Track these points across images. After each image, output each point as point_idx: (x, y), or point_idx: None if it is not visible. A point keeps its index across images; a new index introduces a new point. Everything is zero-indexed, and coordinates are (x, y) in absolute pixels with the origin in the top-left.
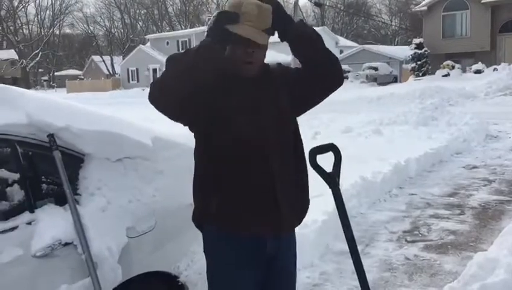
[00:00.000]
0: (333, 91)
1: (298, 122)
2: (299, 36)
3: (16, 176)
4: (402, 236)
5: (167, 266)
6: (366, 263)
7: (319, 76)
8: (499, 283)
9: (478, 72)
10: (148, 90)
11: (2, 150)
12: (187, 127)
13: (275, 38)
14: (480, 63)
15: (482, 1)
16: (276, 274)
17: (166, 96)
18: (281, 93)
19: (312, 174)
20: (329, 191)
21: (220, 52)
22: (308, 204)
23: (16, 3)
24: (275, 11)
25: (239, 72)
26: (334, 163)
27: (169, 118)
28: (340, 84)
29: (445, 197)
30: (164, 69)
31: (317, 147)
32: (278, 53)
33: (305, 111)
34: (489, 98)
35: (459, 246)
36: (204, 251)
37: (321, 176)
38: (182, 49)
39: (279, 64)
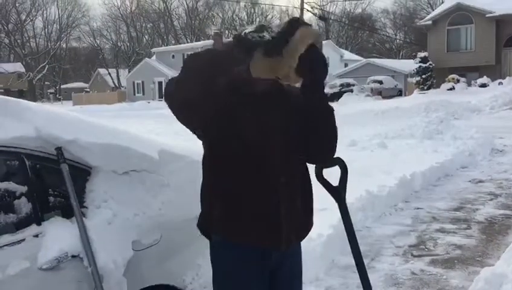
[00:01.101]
0: (314, 163)
1: None
2: (316, 105)
3: (24, 188)
4: (408, 250)
5: (172, 279)
6: (371, 277)
7: (312, 147)
8: None
9: (483, 86)
10: (153, 103)
11: (10, 163)
12: (195, 136)
13: None
14: (485, 77)
15: (487, 15)
16: (280, 286)
17: (182, 90)
18: (291, 111)
19: (318, 188)
20: (335, 204)
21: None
22: (312, 219)
23: (23, 17)
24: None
25: (255, 83)
26: (341, 177)
27: (182, 117)
28: (322, 163)
29: (451, 211)
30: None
31: None
32: None
33: None
34: (494, 112)
35: (466, 260)
36: (210, 259)
37: (327, 190)
38: None
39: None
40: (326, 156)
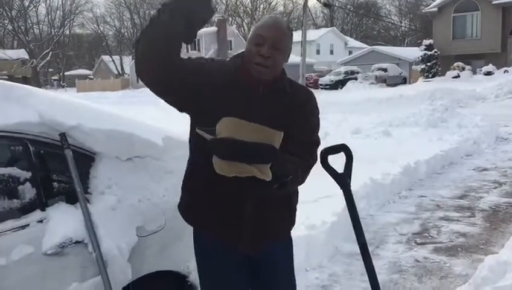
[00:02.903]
0: None
1: None
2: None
3: (28, 174)
4: (411, 238)
5: (176, 265)
6: (375, 264)
7: None
8: (510, 286)
9: (488, 73)
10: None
11: (14, 149)
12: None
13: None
14: (490, 64)
15: (493, 2)
16: (262, 282)
17: (148, 56)
18: (281, 115)
19: (322, 174)
20: (339, 192)
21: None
22: (291, 223)
23: (26, 3)
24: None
25: (248, 75)
26: (346, 164)
27: (156, 90)
28: None
29: (455, 199)
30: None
31: (328, 147)
32: None
33: None
34: (499, 100)
35: (469, 248)
36: None
37: (332, 177)
38: (191, 49)
39: (308, 95)
40: None
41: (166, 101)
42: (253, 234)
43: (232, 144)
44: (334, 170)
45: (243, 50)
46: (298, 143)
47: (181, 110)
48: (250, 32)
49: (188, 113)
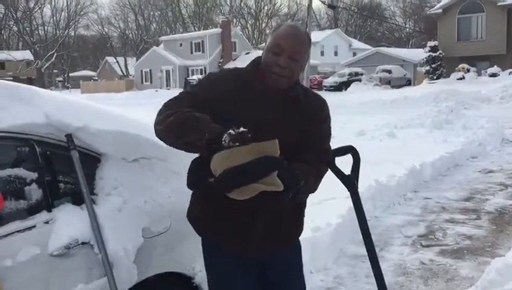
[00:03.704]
0: None
1: None
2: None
3: (34, 175)
4: (417, 240)
5: (182, 267)
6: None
7: None
8: None
9: (493, 75)
10: (160, 91)
11: (20, 149)
12: None
13: None
14: (495, 66)
15: (498, 3)
16: (272, 287)
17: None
18: (292, 122)
19: (326, 176)
20: (343, 194)
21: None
22: (300, 230)
23: (32, 5)
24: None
25: (262, 84)
26: (353, 165)
27: None
28: None
29: (460, 201)
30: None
31: (336, 149)
32: None
33: None
34: (505, 101)
35: (475, 251)
36: None
37: (339, 179)
38: (196, 50)
39: (322, 103)
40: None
41: None
42: (263, 242)
43: (229, 174)
44: (342, 171)
45: (260, 56)
46: (310, 151)
47: None
48: (269, 39)
49: None
